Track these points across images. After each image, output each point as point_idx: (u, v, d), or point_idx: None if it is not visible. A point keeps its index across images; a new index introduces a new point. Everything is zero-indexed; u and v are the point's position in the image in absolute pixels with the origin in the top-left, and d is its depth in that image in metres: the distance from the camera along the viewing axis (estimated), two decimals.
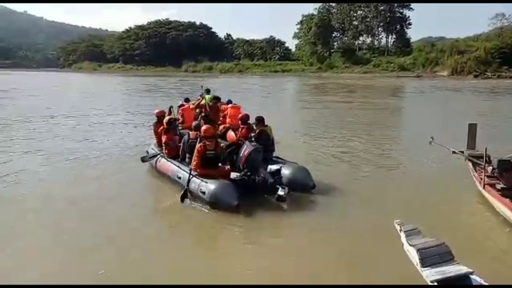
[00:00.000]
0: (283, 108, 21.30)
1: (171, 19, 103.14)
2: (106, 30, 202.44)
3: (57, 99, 26.12)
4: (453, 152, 7.08)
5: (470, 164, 6.78)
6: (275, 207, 5.88)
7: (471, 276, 3.17)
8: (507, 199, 5.54)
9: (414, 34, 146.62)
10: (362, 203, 6.19)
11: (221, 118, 10.00)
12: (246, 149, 6.27)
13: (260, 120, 7.24)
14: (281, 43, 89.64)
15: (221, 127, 9.25)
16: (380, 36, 77.86)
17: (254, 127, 7.27)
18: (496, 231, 5.07)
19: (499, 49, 51.83)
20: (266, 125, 7.26)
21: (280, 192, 5.81)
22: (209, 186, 5.75)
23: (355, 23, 77.11)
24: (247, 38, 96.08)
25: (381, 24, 74.67)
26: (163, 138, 7.41)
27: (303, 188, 6.32)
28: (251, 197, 5.84)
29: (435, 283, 3.09)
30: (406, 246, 3.64)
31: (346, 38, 78.59)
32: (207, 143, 6.13)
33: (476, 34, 66.09)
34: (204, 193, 5.75)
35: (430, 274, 3.19)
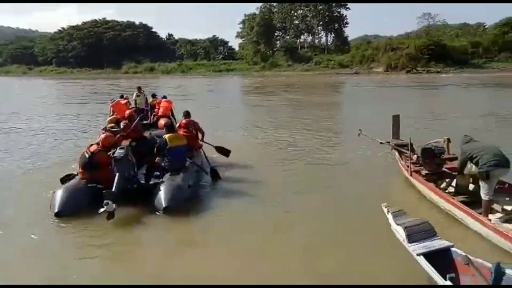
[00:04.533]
0: (226, 107, 20.94)
1: (108, 18, 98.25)
2: (36, 31, 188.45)
3: None
4: (380, 142, 7.28)
5: (396, 153, 6.98)
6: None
7: (452, 248, 3.57)
8: (431, 183, 5.91)
9: (352, 32, 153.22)
10: (303, 191, 6.60)
11: (155, 110, 12.06)
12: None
13: (167, 127, 6.86)
14: (224, 43, 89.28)
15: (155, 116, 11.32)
16: (320, 35, 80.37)
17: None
18: (424, 212, 5.30)
19: (427, 46, 55.55)
20: (176, 131, 6.96)
21: (104, 208, 5.26)
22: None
23: (296, 22, 78.90)
24: (190, 38, 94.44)
25: (321, 23, 76.99)
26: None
27: (156, 208, 5.67)
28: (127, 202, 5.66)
29: (421, 256, 3.48)
30: (394, 226, 3.96)
31: (288, 37, 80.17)
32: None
33: (407, 32, 70.69)
34: None
35: (416, 249, 3.57)
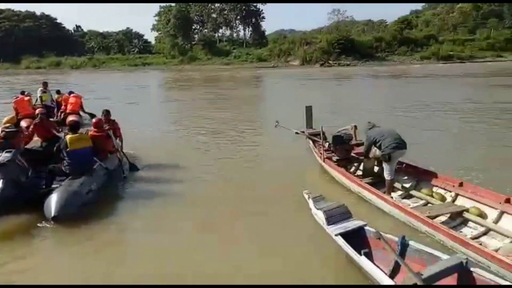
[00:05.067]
0: (144, 103, 19.98)
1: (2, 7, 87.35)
2: None
3: None
4: (296, 132, 7.55)
5: (310, 141, 7.30)
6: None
7: (365, 227, 3.92)
8: (342, 168, 6.33)
9: (269, 27, 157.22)
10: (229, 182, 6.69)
11: (62, 107, 11.43)
12: None
13: (70, 126, 6.24)
14: (139, 36, 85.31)
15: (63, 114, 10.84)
16: (238, 29, 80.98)
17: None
18: (338, 196, 5.60)
19: (338, 40, 59.07)
20: (79, 133, 6.30)
21: None
22: None
23: (214, 15, 78.32)
24: (101, 31, 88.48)
25: (238, 17, 77.50)
26: None
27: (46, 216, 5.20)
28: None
29: (339, 236, 3.76)
30: (314, 211, 4.21)
31: (206, 30, 79.32)
32: None
33: (320, 27, 74.63)
34: None
35: (334, 230, 3.86)
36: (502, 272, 3.41)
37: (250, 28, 78.99)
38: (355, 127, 6.91)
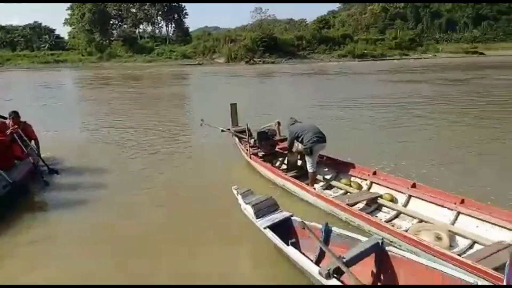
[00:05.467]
0: (58, 103, 18.40)
1: None
2: None
3: None
4: (222, 130, 7.55)
5: (236, 139, 7.38)
6: None
7: (291, 218, 4.04)
8: (268, 163, 6.49)
9: (192, 23, 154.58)
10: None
11: None
12: None
13: None
14: (50, 30, 78.37)
15: None
16: (160, 25, 78.56)
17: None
18: (266, 190, 5.63)
19: (261, 38, 60.42)
20: None
21: None
22: None
23: (133, 10, 74.89)
24: (3, 24, 79.58)
25: (160, 13, 75.11)
26: None
27: None
28: None
29: (267, 228, 3.84)
30: (243, 205, 4.25)
31: (125, 26, 75.56)
32: None
33: (244, 25, 75.48)
34: None
35: (263, 223, 3.94)
36: (411, 249, 3.79)
37: (173, 25, 77.16)
38: (279, 123, 7.10)
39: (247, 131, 6.78)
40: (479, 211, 4.25)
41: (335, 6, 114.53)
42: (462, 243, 4.11)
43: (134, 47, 67.07)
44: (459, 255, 3.62)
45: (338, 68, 42.43)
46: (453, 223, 4.40)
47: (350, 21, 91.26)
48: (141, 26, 76.79)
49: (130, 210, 5.47)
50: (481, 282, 2.91)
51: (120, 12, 73.84)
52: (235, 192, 4.53)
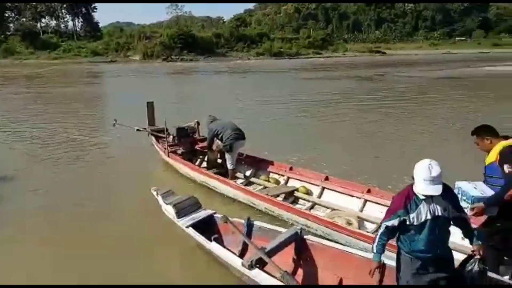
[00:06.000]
0: None
1: None
2: None
3: None
4: (137, 129, 7.29)
5: (153, 138, 7.21)
6: None
7: (214, 215, 4.09)
8: (188, 161, 6.41)
9: (103, 18, 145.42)
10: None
11: None
12: None
13: None
14: None
15: None
16: (66, 19, 72.47)
17: None
18: (185, 188, 5.65)
19: (179, 35, 59.10)
20: None
21: None
22: None
23: (33, 3, 67.87)
24: None
25: (65, 6, 69.25)
26: None
27: None
28: None
29: (189, 227, 3.82)
30: (164, 206, 4.17)
31: (24, 19, 68.17)
32: None
33: (160, 21, 73.10)
34: None
35: (185, 222, 3.90)
36: (326, 231, 4.13)
37: (81, 19, 71.72)
38: (198, 123, 7.06)
39: (165, 129, 6.56)
40: (382, 198, 4.72)
41: (251, 5, 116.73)
42: (370, 227, 4.53)
43: (35, 43, 60.69)
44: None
45: (257, 65, 43.45)
46: (361, 210, 4.85)
47: (266, 20, 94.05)
48: (43, 20, 70.07)
49: (43, 221, 5.05)
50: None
51: (16, 4, 66.37)
52: (154, 193, 4.42)
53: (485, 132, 3.12)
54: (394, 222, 2.51)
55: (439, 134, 9.48)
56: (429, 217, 2.43)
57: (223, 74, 34.38)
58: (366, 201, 4.89)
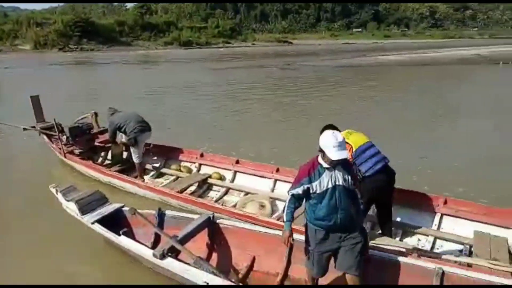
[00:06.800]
0: None
1: None
2: None
3: None
4: (24, 128, 6.49)
5: (45, 137, 6.47)
6: None
7: (123, 209, 3.93)
8: (88, 161, 5.91)
9: None
10: None
11: None
12: None
13: None
14: None
15: None
16: None
17: None
18: (91, 185, 5.24)
19: (76, 22, 54.14)
20: None
21: None
22: None
23: None
24: None
25: None
26: None
27: None
28: None
29: (95, 223, 3.63)
30: (65, 203, 3.89)
31: None
32: None
33: (53, 7, 66.07)
34: None
35: (90, 218, 3.70)
36: (239, 224, 4.15)
37: None
38: (95, 114, 6.44)
39: (56, 127, 5.88)
40: (291, 176, 4.97)
41: None
42: (281, 207, 4.67)
43: None
44: (278, 219, 4.10)
45: (165, 55, 41.97)
46: (272, 190, 5.05)
47: (173, 8, 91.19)
48: None
49: None
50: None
51: None
52: (53, 190, 4.07)
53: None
54: (299, 190, 2.67)
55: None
56: (330, 185, 2.60)
57: (128, 64, 32.56)
58: (276, 180, 5.09)
